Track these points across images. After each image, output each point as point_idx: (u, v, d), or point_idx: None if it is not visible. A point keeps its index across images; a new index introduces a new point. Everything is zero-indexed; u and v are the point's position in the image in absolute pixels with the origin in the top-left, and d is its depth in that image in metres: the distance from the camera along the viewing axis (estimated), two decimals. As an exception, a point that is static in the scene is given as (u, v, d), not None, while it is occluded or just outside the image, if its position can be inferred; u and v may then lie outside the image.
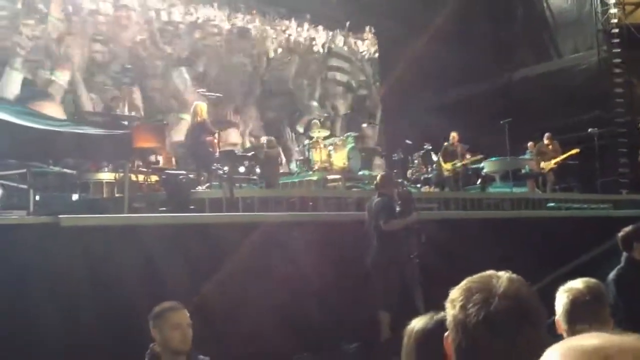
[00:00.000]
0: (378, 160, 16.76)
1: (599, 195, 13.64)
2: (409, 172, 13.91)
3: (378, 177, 8.47)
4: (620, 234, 5.09)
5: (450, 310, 1.41)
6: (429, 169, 13.85)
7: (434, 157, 13.83)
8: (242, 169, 11.09)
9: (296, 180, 12.40)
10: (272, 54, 17.88)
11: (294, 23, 18.48)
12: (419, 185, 13.14)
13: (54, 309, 5.91)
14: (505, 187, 13.50)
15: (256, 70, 17.43)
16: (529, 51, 18.63)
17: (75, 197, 9.53)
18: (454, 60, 17.00)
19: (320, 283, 7.38)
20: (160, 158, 10.94)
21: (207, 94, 12.92)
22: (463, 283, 1.44)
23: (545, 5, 18.35)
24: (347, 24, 19.24)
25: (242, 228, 7.77)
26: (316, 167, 12.27)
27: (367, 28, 20.06)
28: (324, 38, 19.18)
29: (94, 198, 9.64)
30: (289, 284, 7.12)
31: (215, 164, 10.17)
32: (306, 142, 13.32)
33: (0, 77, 12.80)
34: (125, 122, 10.75)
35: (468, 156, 13.32)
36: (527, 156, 14.46)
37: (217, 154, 10.52)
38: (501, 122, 12.80)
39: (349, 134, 13.88)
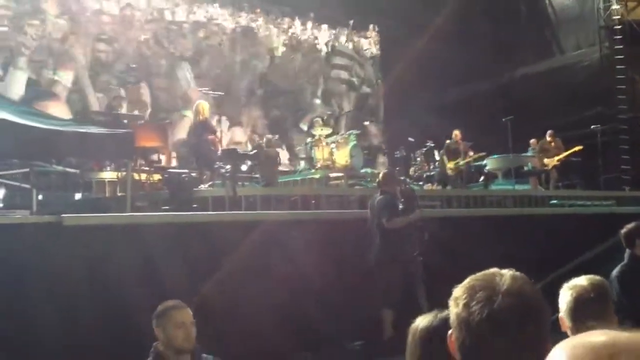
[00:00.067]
0: (382, 158, 16.76)
1: (601, 192, 13.61)
2: (412, 169, 13.90)
3: (380, 175, 8.46)
4: (623, 230, 5.08)
5: (454, 309, 1.41)
6: (432, 167, 13.83)
7: (437, 155, 13.82)
8: (244, 168, 11.08)
9: (298, 178, 12.40)
10: (276, 53, 17.88)
11: (297, 22, 18.49)
12: (421, 183, 13.13)
13: (56, 307, 5.91)
14: (507, 184, 13.49)
15: (260, 69, 17.44)
16: (531, 48, 18.61)
17: (77, 196, 9.55)
18: (456, 58, 16.98)
19: (323, 281, 7.38)
20: (162, 157, 10.96)
21: (209, 92, 12.93)
22: (466, 281, 1.44)
23: (547, 2, 18.33)
24: (351, 22, 19.24)
25: (245, 226, 7.77)
26: (318, 165, 12.27)
27: (371, 26, 20.05)
28: (328, 36, 19.19)
29: (96, 197, 9.65)
30: (291, 283, 7.12)
31: (217, 163, 10.18)
32: (308, 140, 13.32)
33: (4, 77, 12.82)
34: (128, 121, 10.75)
35: (471, 153, 13.30)
36: (529, 153, 14.44)
37: (219, 152, 10.53)
38: (503, 119, 12.78)
39: (351, 131, 13.88)
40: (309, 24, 18.71)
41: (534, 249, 8.55)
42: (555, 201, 12.54)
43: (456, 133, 13.46)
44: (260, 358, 6.34)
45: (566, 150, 13.90)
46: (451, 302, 1.43)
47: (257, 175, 11.22)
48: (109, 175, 10.22)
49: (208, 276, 6.66)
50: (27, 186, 8.15)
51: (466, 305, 1.38)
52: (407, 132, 14.70)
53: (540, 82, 17.53)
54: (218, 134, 10.71)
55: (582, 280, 2.81)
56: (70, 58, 13.79)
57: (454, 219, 9.90)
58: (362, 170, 13.00)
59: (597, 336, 0.96)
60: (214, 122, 12.61)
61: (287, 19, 18.31)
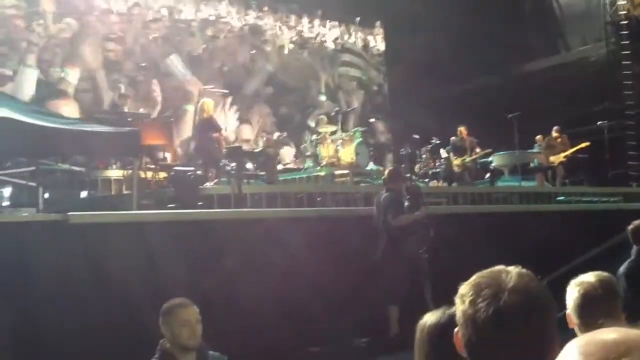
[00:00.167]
0: (389, 156, 16.76)
1: (608, 189, 13.56)
2: (417, 166, 13.87)
3: (386, 172, 8.46)
4: (630, 227, 5.06)
5: (460, 306, 1.40)
6: (437, 164, 13.80)
7: (443, 152, 13.77)
8: (249, 165, 11.10)
9: (304, 175, 12.40)
10: (283, 51, 17.90)
11: (305, 19, 18.50)
12: (427, 180, 13.10)
13: (63, 305, 5.94)
14: (513, 181, 13.45)
15: (268, 67, 17.45)
16: (537, 45, 18.54)
17: (84, 194, 9.58)
18: (461, 54, 16.94)
19: (328, 279, 7.38)
20: (167, 155, 10.98)
21: (214, 90, 12.94)
22: (472, 278, 1.43)
23: (553, -3, 18.27)
24: (357, 19, 19.24)
25: (250, 224, 7.79)
26: (324, 163, 12.26)
27: (378, 23, 20.05)
28: (336, 34, 19.22)
29: (102, 195, 9.68)
30: (296, 280, 7.12)
31: (222, 161, 10.19)
32: (313, 137, 13.32)
33: (14, 77, 12.89)
34: (133, 120, 10.77)
35: (478, 150, 13.24)
36: (535, 150, 14.39)
37: (223, 150, 10.55)
38: (509, 116, 12.75)
39: (356, 129, 13.86)
40: (317, 22, 18.73)
41: (540, 246, 8.53)
42: (561, 198, 12.50)
43: (461, 129, 13.40)
44: (265, 355, 6.34)
45: (572, 147, 13.85)
46: (457, 299, 1.43)
47: (262, 173, 11.24)
48: (114, 173, 10.25)
49: (214, 273, 6.67)
50: (34, 184, 8.18)
51: (472, 302, 1.37)
52: (413, 129, 14.68)
53: (547, 78, 17.47)
54: (222, 131, 10.70)
55: (590, 277, 2.80)
56: (75, 56, 13.83)
57: (460, 216, 9.88)
58: (368, 168, 12.98)
59: (609, 333, 0.96)
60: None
61: (294, 17, 18.33)
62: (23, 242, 6.10)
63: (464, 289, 1.42)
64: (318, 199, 9.74)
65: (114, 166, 10.43)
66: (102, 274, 6.12)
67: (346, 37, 19.46)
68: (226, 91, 14.29)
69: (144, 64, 14.80)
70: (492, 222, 9.49)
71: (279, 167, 12.91)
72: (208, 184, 9.37)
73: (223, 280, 6.68)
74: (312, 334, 7.16)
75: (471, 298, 1.38)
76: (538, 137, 14.48)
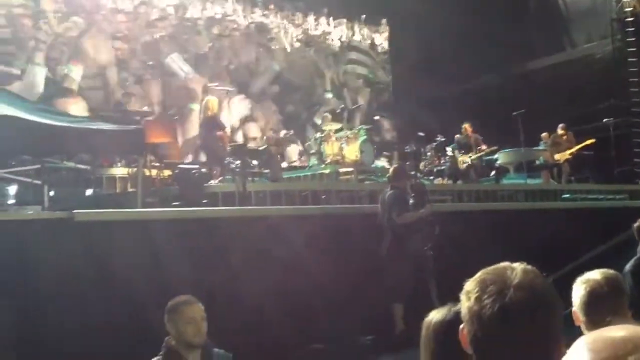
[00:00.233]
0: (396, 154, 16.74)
1: (614, 186, 13.52)
2: (422, 164, 13.85)
3: (391, 170, 8.45)
4: (636, 224, 5.05)
5: (465, 302, 1.40)
6: (442, 161, 13.78)
7: (448, 150, 13.74)
8: (255, 162, 11.10)
9: (309, 173, 12.40)
10: (290, 48, 17.92)
11: (311, 17, 18.53)
12: (431, 178, 13.08)
13: (68, 302, 5.95)
14: (519, 178, 13.42)
15: (274, 65, 17.47)
16: (542, 42, 18.49)
17: (89, 192, 9.59)
18: (466, 51, 16.90)
19: (333, 276, 7.38)
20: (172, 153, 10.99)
21: (218, 87, 12.95)
22: (478, 275, 1.43)
23: (558, -6, 18.22)
24: (363, 17, 19.25)
25: (254, 222, 7.79)
26: (328, 160, 12.26)
27: (383, 21, 20.05)
28: (342, 31, 19.25)
29: (107, 193, 9.69)
30: (301, 278, 7.12)
31: (227, 158, 10.20)
32: (318, 135, 13.32)
33: (22, 76, 12.95)
34: (137, 118, 10.78)
35: (483, 147, 13.20)
36: (541, 147, 14.36)
37: (228, 148, 10.56)
38: (514, 113, 12.73)
39: (360, 126, 13.85)
40: (323, 19, 18.75)
41: (546, 244, 8.51)
42: (567, 195, 12.47)
43: (466, 126, 13.35)
44: (269, 352, 6.35)
45: (578, 144, 13.81)
46: (463, 296, 1.42)
47: (267, 171, 11.24)
48: (119, 171, 10.26)
49: (218, 271, 6.67)
50: (39, 182, 8.19)
51: (478, 299, 1.37)
52: (417, 127, 14.66)
53: (552, 75, 17.43)
54: (227, 129, 10.71)
55: (596, 275, 2.79)
56: (80, 53, 13.87)
57: (465, 214, 9.88)
58: (373, 165, 12.98)
59: (617, 331, 0.97)
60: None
61: (300, 15, 18.36)
62: (28, 240, 6.12)
63: (470, 285, 1.41)
64: (323, 197, 9.74)
65: (119, 164, 10.45)
66: (107, 272, 6.14)
67: (352, 34, 19.47)
68: (230, 89, 14.29)
69: (151, 63, 14.83)
70: (498, 220, 9.47)
71: (284, 164, 12.90)
72: (213, 182, 9.37)
73: (227, 278, 6.69)
74: (317, 332, 7.16)
75: (477, 295, 1.38)
76: (544, 134, 14.45)
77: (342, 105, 16.23)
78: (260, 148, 12.62)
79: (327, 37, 18.84)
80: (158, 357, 3.56)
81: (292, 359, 6.94)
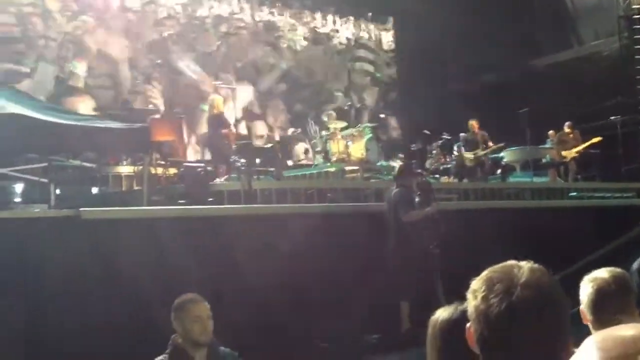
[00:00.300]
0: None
1: (621, 184, 13.47)
2: (428, 162, 13.83)
3: (397, 168, 8.44)
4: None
5: (472, 301, 1.40)
6: (448, 159, 13.76)
7: (455, 149, 13.71)
8: (257, 161, 11.10)
9: (314, 171, 12.40)
10: (297, 47, 17.95)
11: (318, 15, 18.56)
12: (437, 176, 13.06)
13: (74, 300, 5.97)
14: (525, 176, 13.39)
15: (282, 63, 17.50)
16: (549, 39, 18.43)
17: (95, 190, 9.62)
18: (473, 48, 16.86)
19: (339, 274, 7.38)
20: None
21: (222, 85, 12.96)
22: (484, 273, 1.42)
23: (565, -9, 18.15)
24: (369, 14, 19.26)
25: (260, 220, 7.80)
26: (334, 159, 12.26)
27: (391, 19, 20.06)
28: (349, 30, 19.28)
29: (113, 191, 9.71)
30: (307, 276, 7.12)
31: (232, 157, 10.20)
32: (323, 133, 13.32)
33: (32, 74, 13.02)
34: (143, 116, 10.81)
35: (490, 143, 13.15)
36: (547, 145, 14.32)
37: (233, 146, 10.56)
38: (520, 111, 12.68)
39: (366, 124, 13.84)
40: (330, 17, 18.79)
41: (553, 242, 8.48)
42: (574, 193, 12.43)
43: (472, 123, 13.29)
44: (275, 351, 6.35)
45: (584, 142, 13.77)
46: (469, 295, 1.42)
47: (272, 169, 11.24)
48: (125, 169, 10.28)
49: (223, 269, 6.68)
50: (45, 180, 8.22)
51: (484, 298, 1.36)
52: (424, 123, 14.64)
53: (559, 73, 17.36)
54: (232, 127, 10.72)
55: (603, 273, 2.78)
56: (85, 50, 13.93)
57: (471, 212, 9.85)
58: (378, 163, 12.96)
59: (627, 330, 0.98)
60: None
61: (308, 13, 18.40)
62: (35, 238, 6.14)
63: (476, 284, 1.41)
64: (328, 195, 9.74)
65: (125, 162, 10.47)
66: (113, 270, 6.15)
67: (360, 32, 19.51)
68: (234, 87, 14.33)
69: (159, 61, 14.89)
70: (504, 218, 9.45)
71: (289, 162, 12.90)
72: (218, 180, 9.38)
73: (233, 276, 6.69)
74: (323, 330, 7.16)
75: (483, 293, 1.37)
76: (550, 132, 14.41)
77: (349, 103, 16.22)
78: (266, 146, 12.62)
79: (335, 35, 18.88)
80: (164, 355, 3.57)
81: (298, 358, 6.94)
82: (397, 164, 13.47)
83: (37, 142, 7.69)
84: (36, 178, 8.53)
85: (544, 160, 13.90)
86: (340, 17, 18.98)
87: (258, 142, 14.38)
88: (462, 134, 13.50)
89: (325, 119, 13.80)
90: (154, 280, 6.05)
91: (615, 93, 15.89)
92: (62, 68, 13.51)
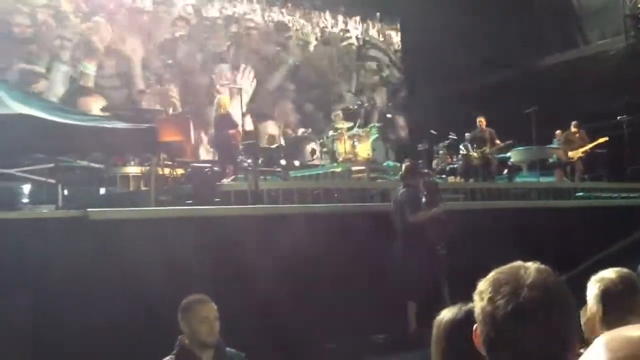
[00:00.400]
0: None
1: (628, 184, 13.43)
2: (434, 162, 13.82)
3: (403, 168, 8.43)
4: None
5: (478, 302, 1.40)
6: (455, 159, 13.74)
7: (462, 149, 13.68)
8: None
9: (321, 172, 12.41)
10: (307, 47, 18.00)
11: (328, 15, 18.62)
12: (444, 176, 13.05)
13: (81, 301, 5.99)
14: (532, 176, 13.36)
15: (292, 63, 17.53)
16: (555, 38, 18.37)
17: (102, 191, 9.65)
18: (479, 48, 16.82)
19: (345, 275, 7.38)
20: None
21: (228, 86, 12.98)
22: (491, 274, 1.42)
23: (571, -9, 18.09)
24: (378, 14, 19.29)
25: (266, 220, 7.81)
26: (340, 159, 12.27)
27: (398, 19, 20.09)
28: (359, 30, 19.34)
29: (121, 192, 9.75)
30: (313, 276, 7.13)
31: (240, 157, 10.23)
32: (330, 133, 13.33)
33: (48, 75, 13.10)
34: (150, 116, 10.84)
35: (497, 141, 13.10)
36: (554, 145, 14.28)
37: (240, 146, 10.58)
38: (525, 111, 12.65)
39: (372, 124, 13.83)
40: (340, 17, 18.84)
41: (560, 242, 8.47)
42: (580, 193, 12.40)
43: (481, 120, 13.23)
44: (281, 351, 6.36)
45: (591, 142, 13.72)
46: (476, 296, 1.42)
47: (279, 170, 11.26)
48: (133, 170, 10.32)
49: (230, 270, 6.69)
50: (53, 181, 8.25)
51: (491, 299, 1.36)
52: (431, 123, 14.62)
53: (566, 72, 17.30)
54: (239, 127, 10.73)
55: (610, 273, 2.77)
56: (95, 51, 13.99)
57: (478, 212, 9.83)
58: (385, 164, 12.96)
59: (634, 330, 0.99)
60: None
61: (318, 13, 18.46)
62: (42, 239, 6.16)
63: (483, 285, 1.41)
64: (335, 195, 9.74)
65: (132, 163, 10.51)
66: (120, 270, 6.17)
67: (370, 32, 19.55)
68: (239, 87, 14.34)
69: (170, 62, 14.95)
70: (511, 219, 9.43)
71: (296, 163, 12.92)
72: (225, 181, 9.40)
73: (240, 277, 6.70)
74: (329, 331, 7.17)
75: (490, 295, 1.37)
76: (557, 132, 14.37)
77: (359, 103, 16.22)
78: (272, 146, 12.64)
79: (345, 34, 18.93)
80: (171, 356, 3.58)
81: (304, 358, 6.95)
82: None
83: (44, 142, 7.71)
84: (44, 179, 8.56)
85: (550, 160, 13.86)
86: (350, 17, 19.03)
87: (269, 142, 14.44)
88: (466, 135, 13.48)
89: (333, 119, 13.83)
90: (161, 281, 6.06)
91: (621, 93, 15.82)
92: (75, 68, 13.62)
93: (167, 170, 9.78)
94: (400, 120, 18.67)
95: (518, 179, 13.40)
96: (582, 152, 13.67)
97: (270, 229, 7.48)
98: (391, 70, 19.96)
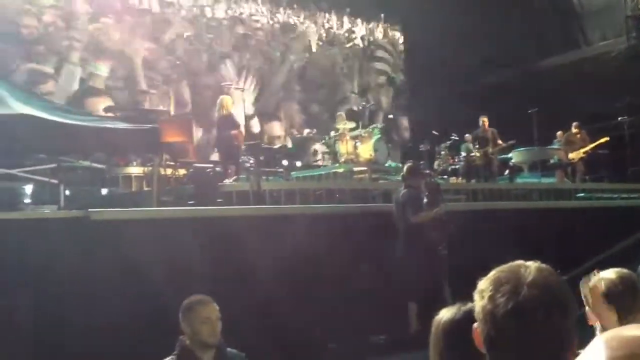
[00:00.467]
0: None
1: (629, 185, 13.42)
2: (436, 163, 13.81)
3: (405, 169, 8.43)
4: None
5: (479, 301, 1.40)
6: (456, 160, 13.74)
7: (463, 149, 13.67)
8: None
9: (323, 172, 12.41)
10: (313, 48, 18.02)
11: (334, 16, 18.66)
12: (445, 177, 13.05)
13: (83, 301, 6.00)
14: (533, 177, 13.36)
15: (298, 64, 17.55)
16: (557, 39, 18.36)
17: (104, 191, 9.66)
18: (480, 48, 16.82)
19: (347, 275, 7.38)
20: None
21: (231, 86, 12.98)
22: (491, 273, 1.43)
23: (573, -8, 18.09)
24: (382, 15, 19.32)
25: (268, 221, 7.81)
26: (342, 160, 12.27)
27: (401, 19, 20.14)
28: (364, 31, 19.40)
29: (123, 192, 9.75)
30: (315, 277, 7.13)
31: (242, 157, 10.24)
32: (332, 134, 13.33)
33: (57, 76, 13.13)
34: (153, 117, 10.83)
35: (499, 141, 13.10)
36: (555, 146, 14.27)
37: (242, 146, 10.58)
38: (528, 111, 12.63)
39: (374, 125, 13.82)
40: (346, 19, 18.89)
41: (560, 243, 8.47)
42: (581, 194, 12.39)
43: (484, 120, 13.23)
44: (282, 352, 6.36)
45: (592, 142, 13.72)
46: (476, 295, 1.42)
47: (281, 170, 11.26)
48: (135, 170, 10.32)
49: (232, 270, 6.70)
50: (55, 181, 8.26)
51: (491, 298, 1.37)
52: (433, 124, 14.62)
53: (567, 73, 17.29)
54: (242, 128, 10.74)
55: (611, 274, 2.78)
56: (103, 52, 14.02)
57: (479, 213, 9.84)
58: (387, 164, 12.96)
59: (634, 330, 0.99)
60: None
61: (324, 14, 18.51)
62: (44, 239, 6.17)
63: (483, 284, 1.41)
64: (337, 196, 9.75)
65: (135, 163, 10.51)
66: (122, 271, 6.18)
67: (375, 33, 19.60)
68: (243, 88, 14.35)
69: (177, 62, 14.98)
70: (512, 219, 9.43)
71: (298, 163, 12.92)
72: (227, 181, 9.40)
73: (241, 277, 6.71)
74: (330, 331, 7.17)
75: (490, 293, 1.38)
76: (559, 132, 14.36)
77: (364, 103, 16.23)
78: (274, 147, 12.64)
79: (350, 35, 18.97)
80: (172, 357, 3.58)
81: (305, 358, 6.95)
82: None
83: (47, 142, 7.72)
84: (46, 179, 8.57)
85: (551, 161, 13.85)
86: (355, 19, 19.07)
87: (275, 143, 14.47)
88: (466, 135, 13.47)
89: (335, 119, 13.84)
90: (163, 281, 6.07)
91: (623, 93, 15.81)
92: (84, 69, 13.65)
93: (169, 171, 9.79)
94: (404, 122, 18.68)
95: (519, 180, 13.40)
96: (583, 153, 13.66)
97: (272, 230, 7.49)
98: (397, 71, 19.99)
